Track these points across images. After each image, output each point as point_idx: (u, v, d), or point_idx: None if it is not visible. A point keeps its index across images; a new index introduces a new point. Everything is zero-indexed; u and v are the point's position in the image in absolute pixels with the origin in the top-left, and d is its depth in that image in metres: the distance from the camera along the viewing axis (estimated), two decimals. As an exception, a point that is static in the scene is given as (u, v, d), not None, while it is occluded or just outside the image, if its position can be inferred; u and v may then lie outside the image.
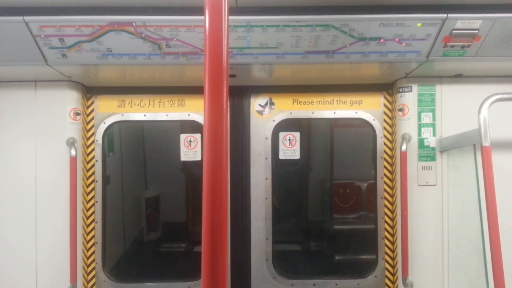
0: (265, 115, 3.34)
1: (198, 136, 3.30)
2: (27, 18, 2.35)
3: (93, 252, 3.25)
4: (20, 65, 2.68)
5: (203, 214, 1.07)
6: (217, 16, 1.08)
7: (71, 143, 3.01)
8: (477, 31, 2.44)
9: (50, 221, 3.07)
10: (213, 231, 1.06)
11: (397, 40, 2.49)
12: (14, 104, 3.06)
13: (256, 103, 3.34)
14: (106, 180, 3.37)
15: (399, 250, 3.13)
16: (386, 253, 3.27)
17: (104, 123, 3.28)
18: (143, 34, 2.44)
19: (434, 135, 3.10)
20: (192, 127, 3.44)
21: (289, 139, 3.33)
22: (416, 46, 2.54)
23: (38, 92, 3.07)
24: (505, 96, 2.43)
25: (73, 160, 2.96)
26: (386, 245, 3.27)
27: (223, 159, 1.08)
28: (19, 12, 2.35)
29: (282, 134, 3.34)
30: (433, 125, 3.10)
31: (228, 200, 1.07)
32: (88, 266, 3.21)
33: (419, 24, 2.40)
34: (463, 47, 2.54)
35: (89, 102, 3.28)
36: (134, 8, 2.36)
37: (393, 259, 3.25)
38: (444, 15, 2.37)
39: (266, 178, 3.33)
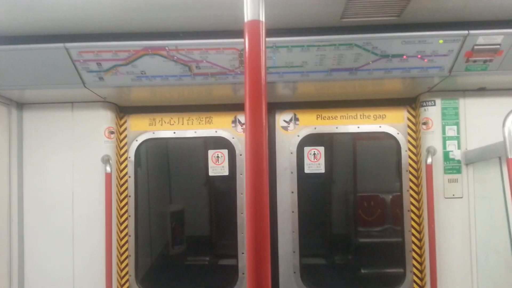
0: (290, 131, 3.42)
1: (225, 151, 3.41)
2: (67, 44, 2.54)
3: (126, 265, 3.37)
4: (59, 88, 2.87)
5: (247, 226, 1.17)
6: (255, 38, 1.20)
7: (106, 160, 3.17)
8: (499, 46, 2.49)
9: (86, 235, 3.21)
10: (256, 242, 1.16)
11: (419, 56, 2.55)
12: (53, 124, 3.25)
13: (281, 119, 3.43)
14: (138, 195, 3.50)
15: (427, 263, 3.13)
16: (414, 266, 3.28)
17: (136, 140, 3.44)
18: (175, 57, 2.58)
19: (459, 148, 3.12)
20: (215, 143, 3.54)
21: (314, 154, 3.40)
22: (438, 62, 2.60)
23: (75, 112, 3.25)
24: None
25: (108, 176, 3.11)
26: (414, 257, 3.28)
27: (263, 173, 1.18)
28: (59, 39, 2.54)
29: (307, 149, 3.41)
30: (457, 138, 3.13)
31: (268, 211, 1.17)
32: (122, 278, 3.33)
33: (441, 41, 2.47)
34: (485, 61, 2.59)
35: (122, 121, 3.44)
36: (166, 33, 2.53)
37: (421, 271, 3.26)
38: (466, 32, 2.43)
39: (292, 192, 3.40)
